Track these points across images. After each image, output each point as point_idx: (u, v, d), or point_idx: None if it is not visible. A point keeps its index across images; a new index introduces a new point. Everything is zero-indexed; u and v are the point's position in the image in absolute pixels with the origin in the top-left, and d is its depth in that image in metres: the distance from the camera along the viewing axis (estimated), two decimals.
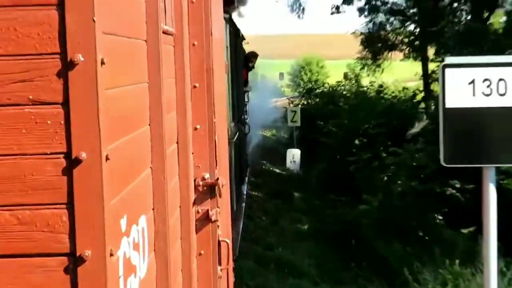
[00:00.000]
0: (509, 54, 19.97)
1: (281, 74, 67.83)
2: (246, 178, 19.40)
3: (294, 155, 25.14)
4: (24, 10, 2.15)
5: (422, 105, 25.84)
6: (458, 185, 15.14)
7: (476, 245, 11.06)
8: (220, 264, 4.34)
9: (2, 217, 2.18)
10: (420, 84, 32.63)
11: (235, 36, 16.43)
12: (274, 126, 39.94)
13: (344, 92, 30.73)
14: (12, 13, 2.15)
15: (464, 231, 14.37)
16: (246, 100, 21.65)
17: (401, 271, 10.70)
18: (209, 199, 4.22)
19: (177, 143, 3.70)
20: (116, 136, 2.38)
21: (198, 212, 4.19)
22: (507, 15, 25.17)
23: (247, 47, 22.94)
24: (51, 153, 2.16)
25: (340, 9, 32.69)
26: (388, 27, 33.22)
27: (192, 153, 4.09)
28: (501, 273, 8.26)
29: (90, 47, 2.14)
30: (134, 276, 2.64)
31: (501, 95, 5.43)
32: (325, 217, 17.77)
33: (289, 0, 36.26)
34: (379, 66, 34.39)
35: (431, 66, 30.69)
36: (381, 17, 32.86)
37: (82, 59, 2.13)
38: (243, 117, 19.12)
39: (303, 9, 36.31)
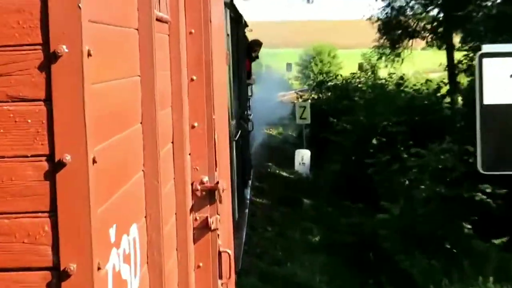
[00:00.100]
0: None
1: (289, 65, 67.89)
2: (250, 181, 19.37)
3: (303, 156, 24.95)
4: None
5: (447, 99, 25.70)
6: (489, 190, 15.01)
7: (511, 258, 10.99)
8: (220, 277, 4.34)
9: None
10: (444, 75, 32.53)
11: (237, 22, 16.44)
12: (281, 123, 39.76)
13: (360, 85, 30.48)
14: None
15: (496, 241, 14.29)
16: (249, 94, 21.63)
17: None
18: (208, 205, 4.23)
19: (172, 142, 3.71)
20: (104, 136, 2.38)
21: (196, 219, 4.20)
22: None
23: (250, 35, 22.92)
24: (32, 156, 2.16)
25: None
26: (409, 12, 33.09)
27: (189, 154, 4.10)
28: None
29: (75, 37, 2.13)
30: None
31: None
32: (338, 226, 17.62)
33: None
34: (398, 55, 34.24)
35: (457, 55, 30.56)
36: (400, 1, 32.78)
37: (66, 50, 2.13)
38: (246, 113, 19.10)
39: None
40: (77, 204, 2.15)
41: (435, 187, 14.65)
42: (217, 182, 4.23)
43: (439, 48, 32.21)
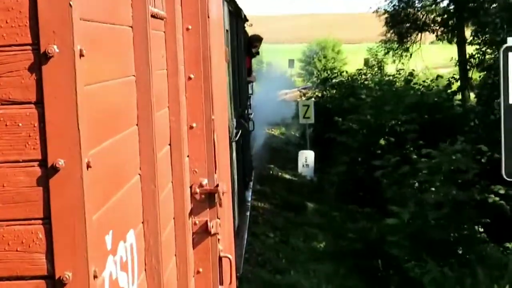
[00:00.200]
0: None
1: (291, 61, 67.73)
2: (251, 183, 19.35)
3: (307, 157, 24.82)
4: None
5: (458, 96, 25.51)
6: (502, 191, 14.93)
7: None
8: (221, 283, 4.35)
9: None
10: (454, 71, 32.42)
11: (236, 17, 16.44)
12: (283, 123, 39.56)
13: (366, 82, 30.18)
14: None
15: (510, 245, 14.21)
16: (249, 92, 21.61)
17: None
18: (208, 209, 4.24)
19: (169, 144, 3.72)
20: (98, 139, 2.39)
21: (195, 224, 4.21)
22: None
23: (250, 30, 22.89)
24: (24, 161, 2.17)
25: None
26: (417, 4, 32.95)
27: (188, 156, 4.11)
28: None
29: (67, 36, 2.14)
30: None
31: None
32: (345, 232, 17.45)
33: None
34: (406, 50, 34.06)
35: (469, 49, 30.42)
36: None
37: (57, 50, 2.14)
38: (246, 112, 19.11)
39: None
40: (72, 211, 2.16)
41: (447, 190, 14.47)
42: (217, 185, 4.24)
43: (450, 42, 31.99)
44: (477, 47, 29.50)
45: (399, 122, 20.95)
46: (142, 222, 3.04)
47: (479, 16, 27.60)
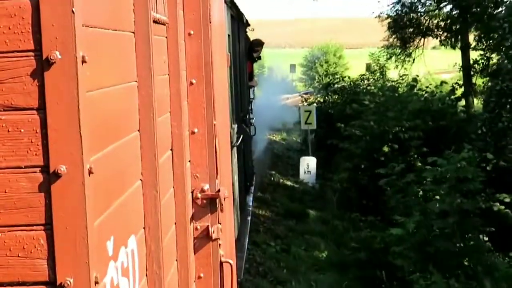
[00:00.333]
0: None
1: (292, 66, 67.68)
2: (252, 188, 19.32)
3: (308, 164, 24.56)
4: None
5: (462, 102, 25.29)
6: (507, 200, 14.80)
7: None
8: None
9: None
10: (456, 76, 32.32)
11: (238, 21, 16.45)
12: (285, 128, 39.44)
13: (369, 88, 29.92)
14: None
15: None
16: (251, 97, 21.59)
17: None
18: (209, 214, 4.25)
19: (171, 150, 3.72)
20: (100, 145, 2.39)
21: (196, 229, 4.21)
22: None
23: (252, 35, 22.88)
24: (26, 167, 2.17)
25: None
26: (420, 9, 32.82)
27: (189, 161, 4.11)
28: None
29: (69, 42, 2.15)
30: None
31: None
32: (347, 241, 17.23)
33: None
34: (409, 55, 33.91)
35: (473, 55, 30.29)
36: None
37: (59, 57, 2.15)
38: (248, 117, 19.10)
39: None
40: (73, 217, 2.17)
41: (453, 199, 14.26)
42: (218, 190, 4.24)
43: (454, 47, 31.82)
44: (481, 52, 29.41)
45: (403, 129, 20.69)
46: (144, 228, 3.04)
47: (484, 21, 27.52)
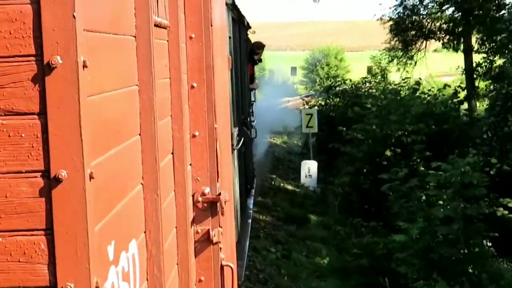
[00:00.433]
0: None
1: (293, 69, 67.76)
2: (253, 191, 19.31)
3: (310, 168, 24.38)
4: None
5: (465, 105, 25.09)
6: (511, 204, 14.68)
7: None
8: None
9: None
10: (457, 79, 32.23)
11: (239, 24, 16.45)
12: (285, 131, 39.34)
13: (371, 90, 29.66)
14: None
15: None
16: (252, 99, 21.59)
17: None
18: (210, 218, 4.24)
19: (172, 153, 3.71)
20: (101, 150, 2.39)
21: (197, 232, 4.21)
22: None
23: (253, 37, 22.87)
24: (27, 172, 2.17)
25: None
26: (422, 11, 32.70)
27: (190, 165, 4.11)
28: None
29: (70, 47, 2.15)
30: None
31: None
32: (349, 247, 17.09)
33: None
34: (411, 58, 33.78)
35: (476, 57, 30.17)
36: None
37: (60, 61, 2.14)
38: (248, 119, 19.10)
39: None
40: (74, 222, 2.16)
41: (457, 204, 13.92)
42: (219, 194, 4.24)
43: (456, 50, 31.67)
44: (484, 55, 29.31)
45: (406, 133, 20.54)
46: (144, 232, 3.04)
47: (487, 24, 27.43)
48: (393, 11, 32.93)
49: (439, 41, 32.46)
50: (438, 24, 32.21)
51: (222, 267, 4.32)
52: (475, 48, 29.99)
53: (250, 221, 15.87)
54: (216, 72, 4.31)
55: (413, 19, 32.56)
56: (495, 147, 18.79)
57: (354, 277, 14.90)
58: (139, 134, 2.99)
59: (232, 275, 4.46)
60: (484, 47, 29.24)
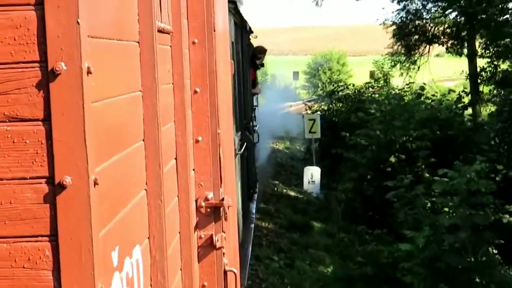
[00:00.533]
0: None
1: (295, 74, 67.75)
2: (256, 195, 19.28)
3: (313, 174, 24.27)
4: None
5: (469, 110, 24.91)
6: None
7: None
8: None
9: None
10: (459, 84, 32.14)
11: (241, 29, 16.46)
12: (288, 137, 39.16)
13: (375, 95, 29.56)
14: None
15: None
16: (254, 104, 21.59)
17: None
18: (213, 223, 4.24)
19: (175, 158, 3.71)
20: (105, 156, 2.39)
21: (200, 237, 4.21)
22: None
23: (255, 42, 22.87)
24: (31, 178, 2.17)
25: None
26: (426, 16, 32.60)
27: (193, 170, 4.11)
28: None
29: (74, 53, 2.15)
30: None
31: None
32: (353, 255, 16.92)
33: None
34: (414, 63, 33.65)
35: (480, 62, 30.05)
36: (416, 4, 32.33)
37: (65, 68, 2.15)
38: (251, 124, 19.10)
39: None
40: (78, 228, 2.16)
41: (464, 212, 13.63)
42: (222, 199, 4.24)
43: (460, 54, 31.51)
44: (488, 60, 29.20)
45: (410, 138, 20.32)
46: (148, 237, 3.04)
47: (491, 28, 27.35)
48: (396, 16, 32.88)
49: (443, 45, 32.31)
50: (441, 28, 32.10)
51: (225, 272, 4.32)
52: (480, 53, 29.85)
53: (252, 226, 15.84)
54: (219, 77, 4.31)
55: (416, 24, 32.44)
56: (502, 154, 18.61)
57: (359, 286, 14.75)
58: (143, 140, 2.99)
59: (236, 280, 4.46)
60: (488, 51, 29.14)
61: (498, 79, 27.41)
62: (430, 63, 33.62)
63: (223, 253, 4.29)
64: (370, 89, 31.90)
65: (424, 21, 32.56)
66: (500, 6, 28.13)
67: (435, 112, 22.43)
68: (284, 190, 25.18)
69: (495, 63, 28.79)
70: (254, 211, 17.43)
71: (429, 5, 32.31)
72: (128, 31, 2.88)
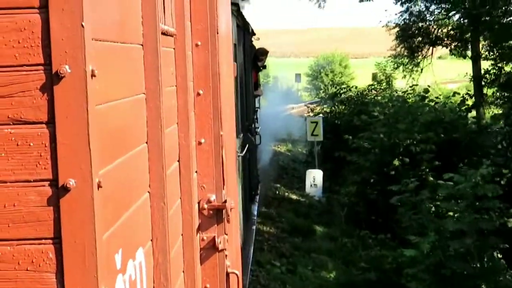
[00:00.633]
0: None
1: (298, 76, 67.69)
2: (257, 197, 19.25)
3: (315, 177, 24.00)
4: (1, 14, 2.16)
5: (473, 113, 24.77)
6: None
7: None
8: None
9: None
10: (462, 86, 32.05)
11: (244, 30, 16.45)
12: (290, 139, 39.00)
13: (378, 98, 29.33)
14: None
15: None
16: (256, 106, 21.56)
17: None
18: (216, 225, 4.24)
19: (178, 161, 3.71)
20: (109, 158, 2.39)
21: (203, 240, 4.21)
22: None
23: (257, 44, 22.84)
24: (35, 181, 2.17)
25: None
26: (429, 17, 32.47)
27: (196, 172, 4.11)
28: None
29: (79, 56, 2.15)
30: None
31: None
32: (357, 261, 16.75)
33: None
34: (417, 65, 33.52)
35: (484, 64, 29.94)
36: (419, 6, 32.23)
37: (69, 70, 2.15)
38: (253, 126, 19.09)
39: None
40: (82, 230, 2.16)
41: (470, 217, 13.36)
42: (225, 201, 4.24)
43: (464, 56, 31.35)
44: (492, 62, 29.09)
45: (414, 142, 20.05)
46: (151, 240, 3.04)
47: (495, 30, 27.29)
48: (399, 18, 32.76)
49: (446, 47, 32.15)
50: (445, 30, 31.97)
51: (227, 274, 4.32)
52: (484, 55, 29.75)
53: (254, 228, 15.80)
54: (222, 79, 4.31)
55: (420, 26, 32.33)
56: (510, 158, 18.46)
57: None
58: (146, 142, 2.99)
59: (238, 282, 4.46)
60: (492, 53, 29.06)
61: (502, 81, 27.33)
62: (433, 65, 33.46)
63: (226, 255, 4.29)
64: (373, 91, 31.75)
65: (427, 23, 32.41)
66: (504, 8, 28.09)
67: (440, 114, 22.12)
68: (286, 194, 24.96)
69: (499, 65, 28.70)
70: (255, 212, 17.38)
71: (433, 7, 32.15)
72: (132, 34, 2.88)
